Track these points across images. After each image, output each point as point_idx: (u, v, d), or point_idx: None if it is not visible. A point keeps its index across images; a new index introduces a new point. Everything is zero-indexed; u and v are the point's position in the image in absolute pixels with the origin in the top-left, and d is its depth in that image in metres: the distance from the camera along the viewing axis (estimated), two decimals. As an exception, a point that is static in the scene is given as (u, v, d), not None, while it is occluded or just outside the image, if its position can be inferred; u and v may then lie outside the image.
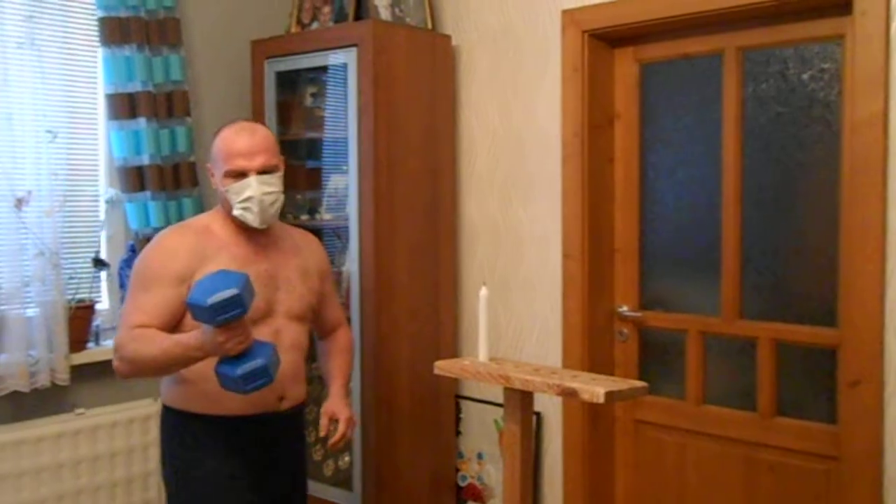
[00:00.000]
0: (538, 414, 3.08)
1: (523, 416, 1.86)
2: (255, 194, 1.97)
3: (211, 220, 2.14)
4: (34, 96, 2.80)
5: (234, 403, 2.01)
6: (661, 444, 2.96)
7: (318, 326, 2.36)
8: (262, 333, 1.98)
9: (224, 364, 1.83)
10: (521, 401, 1.85)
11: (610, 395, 1.71)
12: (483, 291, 1.93)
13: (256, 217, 2.01)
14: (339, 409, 2.17)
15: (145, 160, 2.99)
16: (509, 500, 1.87)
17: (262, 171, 2.00)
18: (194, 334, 1.86)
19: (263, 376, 1.82)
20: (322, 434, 2.17)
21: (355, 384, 2.97)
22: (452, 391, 3.26)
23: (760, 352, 2.72)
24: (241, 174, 2.00)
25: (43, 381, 2.79)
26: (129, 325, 2.00)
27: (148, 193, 3.00)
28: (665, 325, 2.95)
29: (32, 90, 2.80)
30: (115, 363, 2.02)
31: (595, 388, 1.74)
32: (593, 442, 3.00)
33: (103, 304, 3.12)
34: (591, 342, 2.95)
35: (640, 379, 2.98)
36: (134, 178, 2.99)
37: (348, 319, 3.06)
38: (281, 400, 2.10)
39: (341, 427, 2.15)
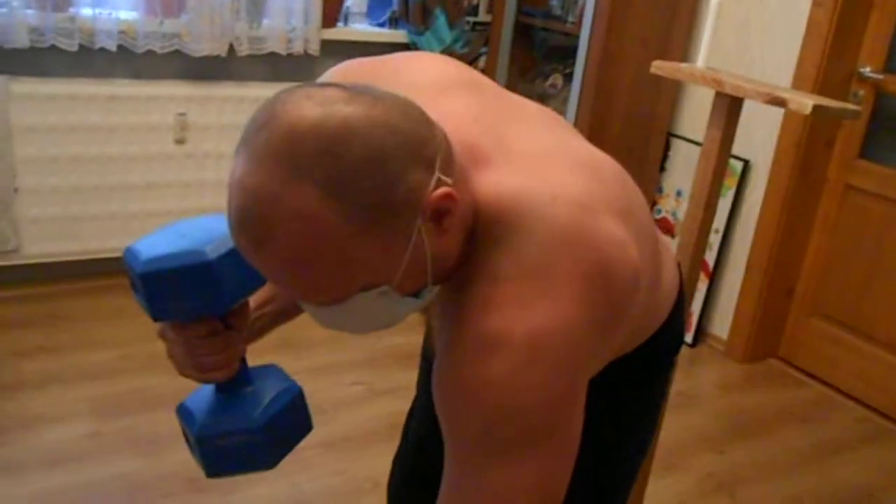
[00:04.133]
0: (746, 162, 3.08)
1: (727, 123, 1.90)
2: (320, 321, 0.85)
3: None
4: None
5: None
6: (867, 213, 2.89)
7: None
8: None
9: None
10: (728, 108, 1.88)
11: (818, 108, 1.71)
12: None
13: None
14: None
15: None
16: (695, 204, 1.96)
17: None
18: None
19: (207, 448, 0.90)
20: None
21: (571, 100, 3.06)
22: (665, 128, 3.29)
23: None
24: None
25: (297, 48, 3.13)
26: None
27: None
28: (906, 91, 2.78)
29: None
30: None
31: (804, 99, 1.74)
32: (797, 196, 2.97)
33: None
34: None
35: (864, 146, 2.89)
36: None
37: (568, 72, 3.12)
38: None
39: None
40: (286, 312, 1.09)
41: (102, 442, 2.24)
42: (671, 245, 1.14)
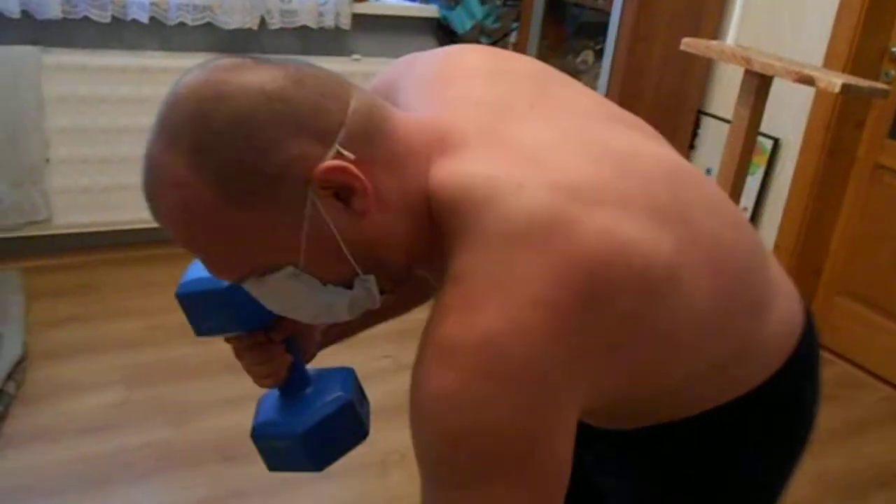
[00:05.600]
0: (776, 140, 3.05)
1: (756, 102, 1.90)
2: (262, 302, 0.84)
3: None
4: None
5: None
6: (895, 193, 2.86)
7: None
8: None
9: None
10: (757, 86, 1.88)
11: (847, 87, 1.70)
12: (746, -26, 1.89)
13: None
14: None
15: None
16: (722, 182, 1.96)
17: None
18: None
19: (269, 449, 0.98)
20: None
21: (602, 76, 3.04)
22: (695, 106, 3.27)
23: None
24: None
25: (329, 22, 3.14)
26: None
27: None
28: (940, 70, 2.73)
29: None
30: None
31: (833, 78, 1.72)
32: (826, 177, 2.95)
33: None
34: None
35: (895, 125, 2.85)
36: None
37: (599, 48, 3.09)
38: None
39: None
40: (375, 317, 1.07)
41: (133, 410, 2.28)
42: (789, 289, 0.96)
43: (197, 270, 0.94)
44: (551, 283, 0.68)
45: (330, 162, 0.71)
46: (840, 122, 2.88)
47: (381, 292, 0.82)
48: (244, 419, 2.30)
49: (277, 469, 0.99)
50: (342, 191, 0.73)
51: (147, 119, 2.96)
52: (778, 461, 0.98)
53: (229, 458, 2.14)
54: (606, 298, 0.70)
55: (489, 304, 0.68)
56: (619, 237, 0.71)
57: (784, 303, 0.92)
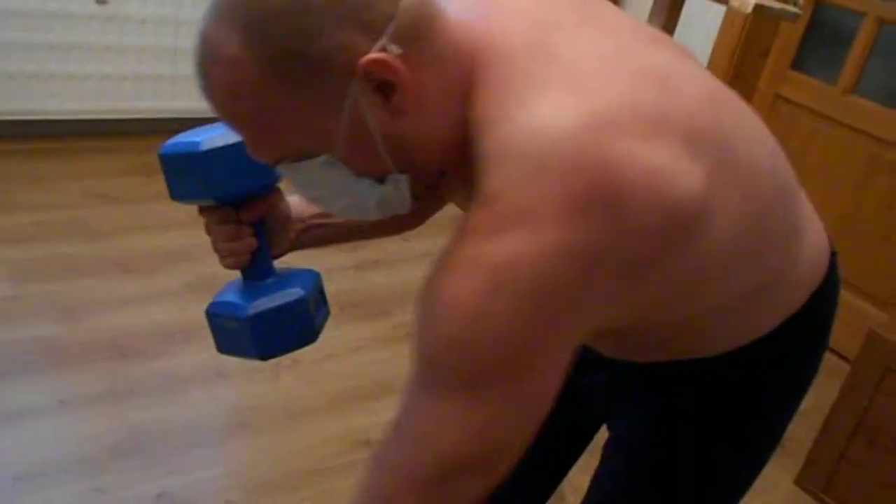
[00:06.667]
0: (683, 64, 3.10)
1: (668, 19, 1.91)
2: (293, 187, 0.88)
3: None
4: None
5: None
6: (793, 124, 2.97)
7: None
8: None
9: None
10: (672, 2, 1.89)
11: (759, 8, 1.72)
12: None
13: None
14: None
15: None
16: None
17: None
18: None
19: (226, 336, 1.01)
20: None
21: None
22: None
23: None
24: None
25: None
26: None
27: None
28: (843, 3, 2.81)
29: None
30: None
31: None
32: (728, 103, 3.02)
33: None
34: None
35: (797, 58, 2.94)
36: None
37: None
38: None
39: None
40: (358, 231, 1.09)
41: (21, 305, 2.20)
42: (817, 219, 0.99)
43: (186, 135, 0.96)
44: (577, 211, 0.68)
45: (374, 55, 0.72)
46: (745, 50, 2.95)
47: (412, 197, 0.83)
48: (138, 318, 2.27)
49: (225, 351, 1.02)
50: (383, 85, 0.73)
51: (34, 3, 2.77)
52: (788, 403, 1.00)
53: (123, 356, 2.10)
54: (633, 230, 0.70)
55: (513, 230, 0.69)
56: (651, 167, 0.70)
57: (815, 231, 0.95)
